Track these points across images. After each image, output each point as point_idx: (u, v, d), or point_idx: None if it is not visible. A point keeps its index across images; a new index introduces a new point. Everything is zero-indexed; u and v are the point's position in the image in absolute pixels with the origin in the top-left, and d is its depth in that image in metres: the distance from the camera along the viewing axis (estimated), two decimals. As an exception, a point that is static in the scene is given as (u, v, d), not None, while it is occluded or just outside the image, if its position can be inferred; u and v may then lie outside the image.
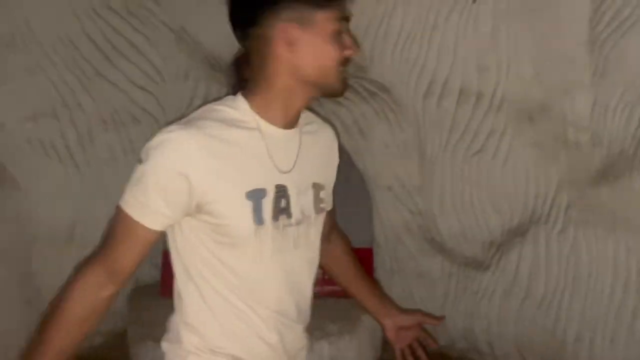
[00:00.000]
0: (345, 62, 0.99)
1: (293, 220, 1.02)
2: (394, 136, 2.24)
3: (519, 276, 1.99)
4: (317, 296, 1.29)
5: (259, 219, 0.97)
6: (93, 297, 0.95)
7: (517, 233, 1.99)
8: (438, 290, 2.22)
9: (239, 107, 0.98)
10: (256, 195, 0.97)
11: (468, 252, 2.12)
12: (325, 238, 1.17)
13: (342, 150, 2.27)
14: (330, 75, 0.98)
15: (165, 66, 2.37)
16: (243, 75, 1.01)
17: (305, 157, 1.05)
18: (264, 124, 0.99)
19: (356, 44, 1.02)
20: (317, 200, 1.07)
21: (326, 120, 1.19)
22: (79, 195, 2.19)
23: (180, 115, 1.07)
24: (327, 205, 1.12)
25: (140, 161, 0.94)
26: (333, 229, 1.25)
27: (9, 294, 2.07)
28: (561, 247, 1.87)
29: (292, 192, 1.02)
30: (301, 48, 0.96)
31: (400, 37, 2.13)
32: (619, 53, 1.61)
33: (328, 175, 1.14)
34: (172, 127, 0.94)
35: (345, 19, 0.99)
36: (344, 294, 1.47)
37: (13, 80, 2.05)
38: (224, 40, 2.21)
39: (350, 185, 2.28)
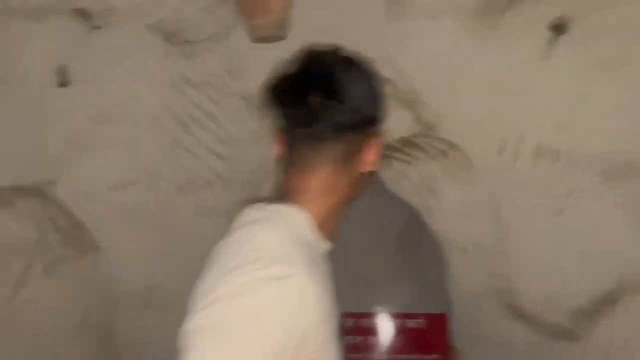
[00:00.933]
0: None
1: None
2: (467, 195, 2.18)
3: (613, 349, 1.82)
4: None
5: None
6: None
7: (609, 300, 1.84)
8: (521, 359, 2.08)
9: (305, 223, 0.90)
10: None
11: (552, 319, 1.98)
12: None
13: (414, 211, 2.25)
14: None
15: (237, 132, 2.47)
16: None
17: None
18: (324, 244, 0.93)
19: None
20: None
21: None
22: (157, 259, 2.28)
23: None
24: None
25: None
26: None
27: (90, 354, 2.15)
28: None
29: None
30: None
31: (470, 95, 2.11)
32: None
33: None
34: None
35: None
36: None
37: (102, 151, 2.20)
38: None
39: (424, 248, 2.23)
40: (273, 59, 1.01)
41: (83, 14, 2.01)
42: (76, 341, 2.12)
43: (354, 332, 2.11)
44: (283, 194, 0.95)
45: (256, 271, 0.81)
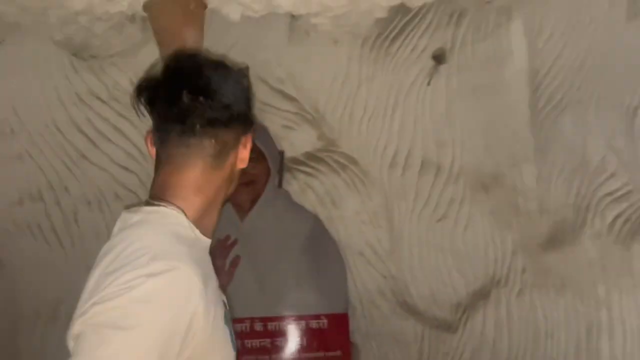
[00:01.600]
0: None
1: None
2: (364, 205, 2.40)
3: (484, 337, 2.11)
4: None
5: (233, 342, 0.99)
6: None
7: (481, 295, 2.13)
8: (412, 352, 2.32)
9: (184, 223, 0.95)
10: (226, 316, 0.97)
11: (438, 314, 2.24)
12: None
13: (317, 219, 2.42)
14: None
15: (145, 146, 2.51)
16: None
17: None
18: (204, 240, 0.98)
19: None
20: None
21: None
22: (63, 274, 2.27)
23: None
24: None
25: None
26: None
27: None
28: (520, 309, 2.01)
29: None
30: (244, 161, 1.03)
31: (365, 114, 2.34)
32: (556, 131, 1.81)
33: None
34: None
35: None
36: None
37: (4, 166, 2.17)
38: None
39: (325, 253, 2.41)
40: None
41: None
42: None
43: (262, 335, 2.23)
44: (158, 193, 0.99)
45: (137, 269, 0.85)
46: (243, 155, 1.04)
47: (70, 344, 0.87)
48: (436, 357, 2.26)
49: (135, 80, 2.22)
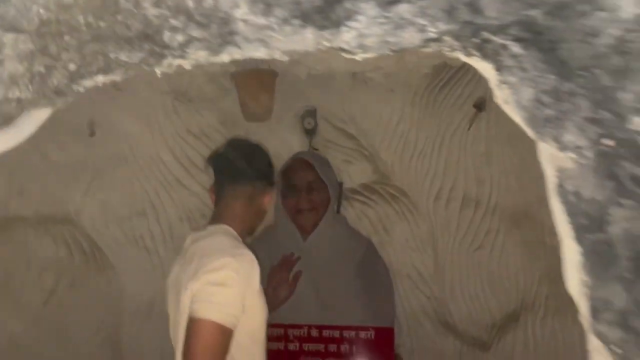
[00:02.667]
0: None
1: None
2: (412, 232, 2.70)
3: (514, 356, 2.32)
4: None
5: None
6: None
7: (512, 318, 2.35)
8: (451, 366, 2.57)
9: (233, 233, 1.62)
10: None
11: (475, 333, 2.48)
12: None
13: (370, 243, 2.71)
14: None
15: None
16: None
17: None
18: None
19: None
20: None
21: None
22: (159, 278, 2.75)
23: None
24: None
25: None
26: None
27: (102, 354, 2.61)
28: (544, 332, 2.22)
29: None
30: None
31: (415, 152, 2.65)
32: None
33: None
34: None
35: None
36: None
37: (117, 188, 2.70)
38: (274, 156, 2.81)
39: (376, 273, 2.70)
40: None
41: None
42: (90, 343, 2.58)
43: (317, 340, 2.55)
44: (216, 219, 1.65)
45: (225, 253, 1.49)
46: (267, 202, 1.73)
47: (184, 301, 1.49)
48: (472, 373, 2.50)
49: (222, 121, 2.70)
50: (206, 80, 2.54)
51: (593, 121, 0.84)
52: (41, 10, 0.78)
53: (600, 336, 0.86)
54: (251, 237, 1.77)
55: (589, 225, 0.86)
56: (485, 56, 0.89)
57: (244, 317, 1.47)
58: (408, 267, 2.67)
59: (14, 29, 0.76)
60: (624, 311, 0.83)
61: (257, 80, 1.90)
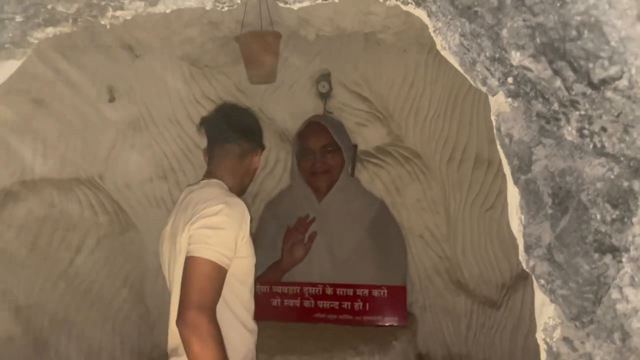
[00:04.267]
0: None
1: None
2: (425, 193, 2.72)
3: (523, 314, 2.36)
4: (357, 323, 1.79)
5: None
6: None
7: (522, 277, 2.37)
8: (462, 324, 2.62)
9: (224, 186, 1.74)
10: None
11: (485, 292, 2.52)
12: None
13: (382, 204, 2.74)
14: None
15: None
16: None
17: None
18: None
19: None
20: None
21: None
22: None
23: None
24: None
25: None
26: None
27: (128, 309, 2.76)
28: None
29: None
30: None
31: (428, 114, 2.66)
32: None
33: None
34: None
35: None
36: (380, 325, 2.04)
37: (136, 152, 2.79)
38: (290, 119, 2.86)
39: (389, 234, 2.76)
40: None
41: (128, 48, 2.59)
42: (117, 297, 2.72)
43: (332, 298, 2.64)
44: (208, 175, 1.77)
45: (218, 200, 1.60)
46: (256, 162, 1.84)
47: (181, 242, 1.60)
48: (482, 330, 2.54)
49: (238, 85, 2.74)
50: (218, 46, 2.58)
51: (496, 60, 0.84)
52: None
53: (532, 271, 0.89)
54: (253, 197, 1.90)
55: (520, 165, 0.88)
56: (417, 3, 0.90)
57: (235, 260, 1.58)
58: (420, 227, 2.71)
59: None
60: (549, 246, 0.85)
61: (260, 42, 1.93)
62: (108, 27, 0.95)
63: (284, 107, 2.89)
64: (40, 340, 2.41)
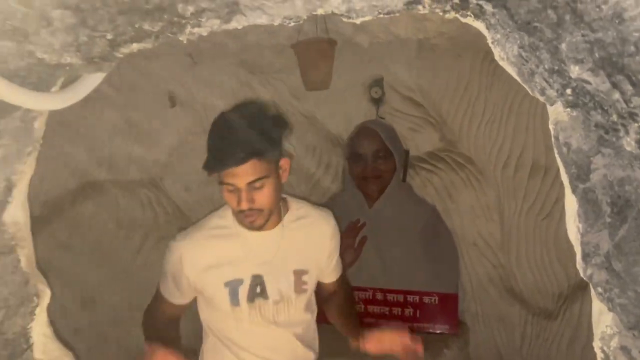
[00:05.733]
0: (241, 212, 1.44)
1: (270, 301, 1.47)
2: (478, 200, 2.68)
3: (581, 325, 2.28)
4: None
5: (234, 301, 1.47)
6: None
7: (580, 287, 2.29)
8: (516, 334, 2.55)
9: (227, 216, 1.53)
10: (233, 284, 1.47)
11: (541, 302, 2.45)
12: (324, 301, 1.68)
13: (434, 210, 2.71)
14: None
15: (297, 141, 3.08)
16: None
17: (287, 248, 1.48)
18: (242, 230, 1.48)
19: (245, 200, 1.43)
20: (299, 283, 1.50)
21: (323, 208, 1.69)
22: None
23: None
24: (310, 286, 1.54)
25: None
26: (333, 295, 1.71)
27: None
28: (611, 301, 2.14)
29: (268, 279, 1.47)
30: None
31: (483, 119, 2.61)
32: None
33: (315, 260, 1.55)
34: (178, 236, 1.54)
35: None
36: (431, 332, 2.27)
37: (196, 155, 2.89)
38: (342, 125, 2.88)
39: (440, 240, 2.73)
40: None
41: (188, 54, 2.70)
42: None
43: (382, 303, 2.65)
44: None
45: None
46: (285, 166, 1.53)
47: None
48: (537, 341, 2.47)
49: (292, 91, 2.77)
50: (274, 53, 2.64)
51: (554, 72, 0.85)
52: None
53: (590, 279, 0.88)
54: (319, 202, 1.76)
55: (578, 174, 0.88)
56: (476, 16, 0.91)
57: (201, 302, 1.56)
58: (474, 234, 2.67)
59: (61, 5, 0.89)
60: (608, 255, 0.85)
61: (316, 49, 1.97)
62: (185, 42, 1.01)
63: (336, 113, 2.92)
64: (103, 333, 2.54)
